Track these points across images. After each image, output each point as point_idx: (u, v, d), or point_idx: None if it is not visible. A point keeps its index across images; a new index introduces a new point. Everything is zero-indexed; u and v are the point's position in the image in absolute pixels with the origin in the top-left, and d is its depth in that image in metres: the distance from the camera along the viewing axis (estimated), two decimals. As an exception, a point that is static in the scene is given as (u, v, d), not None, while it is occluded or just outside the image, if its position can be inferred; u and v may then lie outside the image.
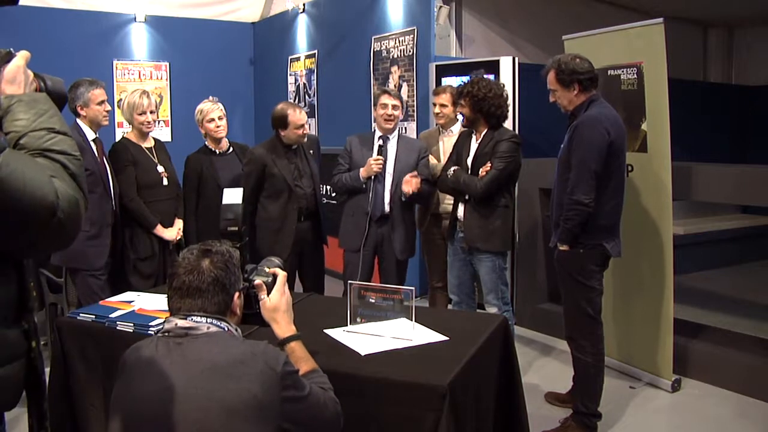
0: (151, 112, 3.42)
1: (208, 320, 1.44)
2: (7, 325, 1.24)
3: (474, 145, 3.30)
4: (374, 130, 3.62)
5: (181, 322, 1.43)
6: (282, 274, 1.70)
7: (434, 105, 3.78)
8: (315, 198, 3.61)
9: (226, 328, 1.47)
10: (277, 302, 1.65)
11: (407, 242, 3.57)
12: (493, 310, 3.23)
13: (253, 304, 1.66)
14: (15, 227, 1.14)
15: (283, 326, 1.65)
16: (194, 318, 1.44)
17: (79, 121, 3.24)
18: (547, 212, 3.17)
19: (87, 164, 3.12)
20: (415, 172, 3.42)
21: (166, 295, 1.51)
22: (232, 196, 2.04)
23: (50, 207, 1.14)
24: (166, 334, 1.45)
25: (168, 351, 1.41)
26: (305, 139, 3.60)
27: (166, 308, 1.49)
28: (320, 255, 3.72)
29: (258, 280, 1.67)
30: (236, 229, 1.94)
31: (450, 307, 3.49)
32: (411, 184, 3.36)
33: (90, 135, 3.24)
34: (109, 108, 3.30)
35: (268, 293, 1.66)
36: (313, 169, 3.64)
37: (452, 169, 3.28)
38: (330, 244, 3.79)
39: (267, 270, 1.70)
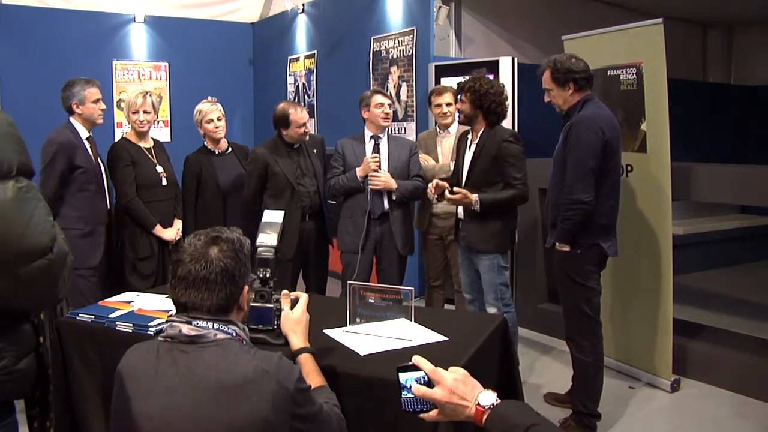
0: (146, 112, 3.42)
1: (215, 325, 1.35)
2: (22, 321, 1.28)
3: (471, 147, 3.28)
4: (364, 132, 3.60)
5: (186, 329, 1.34)
6: (305, 296, 1.78)
7: (438, 105, 3.74)
8: (319, 196, 3.60)
9: (234, 333, 1.38)
10: (299, 316, 1.73)
11: (408, 237, 3.60)
12: (492, 310, 3.21)
13: (273, 320, 1.75)
14: (5, 256, 1.15)
15: (301, 338, 1.70)
16: (199, 323, 1.34)
17: (72, 119, 3.26)
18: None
19: (81, 161, 3.16)
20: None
21: (165, 295, 1.50)
22: (272, 217, 1.93)
23: (43, 246, 1.19)
24: (169, 339, 1.35)
25: (172, 361, 1.32)
26: (307, 138, 3.60)
27: (166, 309, 1.48)
28: (324, 255, 3.71)
29: (285, 292, 1.77)
30: (271, 255, 1.82)
31: (465, 306, 3.48)
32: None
33: (84, 133, 3.26)
34: (104, 107, 3.33)
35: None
36: (317, 168, 3.62)
37: (475, 198, 3.08)
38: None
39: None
